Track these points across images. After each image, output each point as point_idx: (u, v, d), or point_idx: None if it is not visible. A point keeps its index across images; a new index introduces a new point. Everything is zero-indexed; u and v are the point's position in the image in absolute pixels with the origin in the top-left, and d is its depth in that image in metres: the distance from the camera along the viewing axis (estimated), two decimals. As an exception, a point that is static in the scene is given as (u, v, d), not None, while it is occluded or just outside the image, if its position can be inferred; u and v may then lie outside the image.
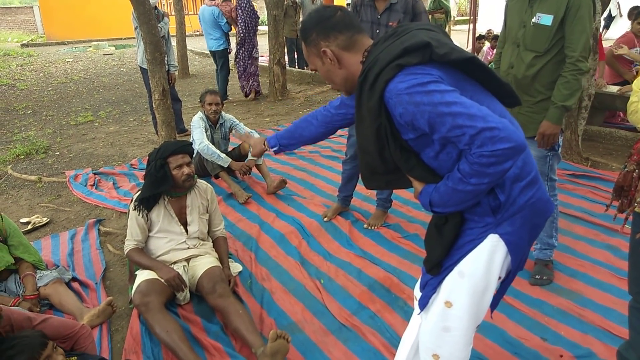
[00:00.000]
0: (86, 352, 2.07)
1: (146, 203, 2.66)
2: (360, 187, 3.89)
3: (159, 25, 5.41)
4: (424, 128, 1.23)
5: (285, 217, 3.64)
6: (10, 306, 2.49)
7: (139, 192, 2.71)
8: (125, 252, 2.70)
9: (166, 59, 5.54)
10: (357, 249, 3.17)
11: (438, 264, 1.44)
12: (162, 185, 2.62)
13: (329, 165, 4.78)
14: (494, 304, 1.51)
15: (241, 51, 7.62)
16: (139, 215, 2.66)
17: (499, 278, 1.43)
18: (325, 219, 3.56)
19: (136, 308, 2.47)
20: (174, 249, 2.72)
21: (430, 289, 1.49)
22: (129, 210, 2.73)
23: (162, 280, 2.53)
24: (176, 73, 6.00)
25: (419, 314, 1.57)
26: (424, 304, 1.51)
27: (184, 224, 2.77)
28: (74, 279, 2.92)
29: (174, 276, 2.55)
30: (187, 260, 2.75)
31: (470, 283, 1.39)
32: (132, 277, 2.75)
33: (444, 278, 1.44)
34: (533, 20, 2.36)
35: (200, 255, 2.77)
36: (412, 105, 1.21)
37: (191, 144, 2.80)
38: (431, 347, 1.51)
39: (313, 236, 3.37)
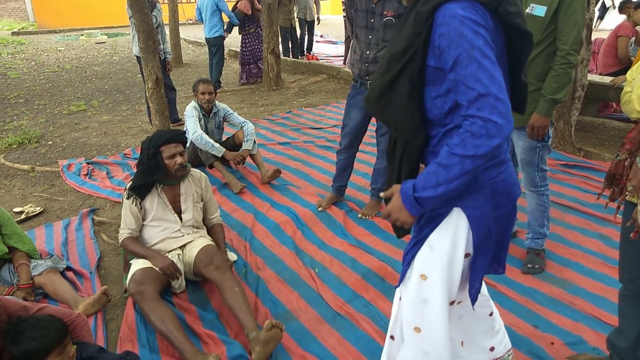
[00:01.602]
0: (83, 341, 2.08)
1: (139, 191, 2.66)
2: (354, 177, 3.91)
3: (152, 14, 5.38)
4: (447, 61, 1.27)
5: (279, 207, 3.65)
6: (5, 295, 2.49)
7: (132, 180, 2.70)
8: (120, 241, 2.69)
9: (161, 47, 5.52)
10: (351, 238, 3.19)
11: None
12: (154, 174, 2.62)
13: (323, 155, 4.78)
14: (473, 295, 1.54)
15: (252, 40, 7.79)
16: (132, 204, 2.65)
17: (467, 255, 1.47)
18: (320, 209, 3.57)
19: (131, 297, 2.48)
20: (168, 237, 2.72)
21: (406, 263, 1.55)
22: (122, 199, 2.72)
23: (157, 269, 2.54)
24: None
25: (397, 287, 1.63)
26: (401, 279, 1.57)
27: (178, 212, 2.77)
28: (69, 268, 2.92)
29: (168, 264, 2.55)
30: (182, 247, 2.75)
31: (439, 255, 1.45)
32: (127, 266, 2.76)
33: (416, 252, 1.50)
34: (526, 10, 2.36)
35: (195, 240, 2.77)
36: (456, 32, 1.24)
37: (185, 133, 2.79)
38: (412, 320, 1.54)
39: (307, 226, 3.38)
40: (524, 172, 2.66)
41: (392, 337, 1.67)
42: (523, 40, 1.36)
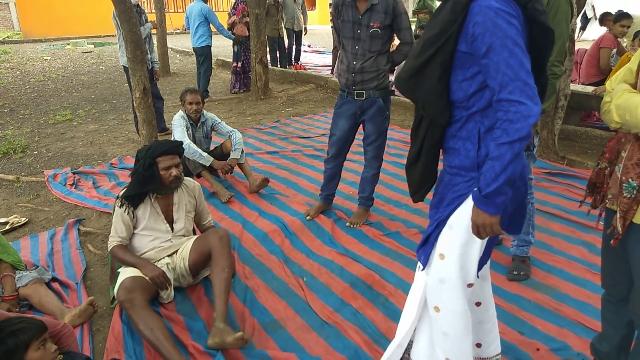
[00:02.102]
0: (70, 351, 2.06)
1: (132, 200, 2.65)
2: (342, 186, 3.93)
3: (141, 27, 5.39)
4: (480, 47, 1.40)
5: (268, 216, 3.65)
6: (-12, 307, 2.46)
7: (125, 189, 2.69)
8: (109, 249, 2.67)
9: (149, 56, 5.53)
10: (339, 247, 3.20)
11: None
12: (148, 185, 2.62)
13: (311, 164, 4.80)
14: (479, 265, 1.62)
15: (248, 51, 7.97)
16: (124, 212, 2.64)
17: None
18: (308, 218, 3.58)
19: (120, 304, 2.46)
20: (157, 247, 2.71)
21: (429, 245, 1.62)
22: (114, 207, 2.71)
23: (147, 278, 2.52)
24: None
25: (421, 269, 1.68)
26: (424, 261, 1.65)
27: (170, 222, 2.77)
28: (54, 279, 2.89)
29: (159, 274, 2.54)
30: (171, 255, 2.75)
31: (458, 234, 1.54)
32: (114, 275, 2.74)
33: (439, 233, 1.59)
34: None
35: (185, 243, 2.79)
36: (491, 22, 1.37)
37: (182, 144, 2.79)
38: (432, 299, 1.63)
39: (296, 235, 3.39)
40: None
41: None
42: (545, 36, 1.48)
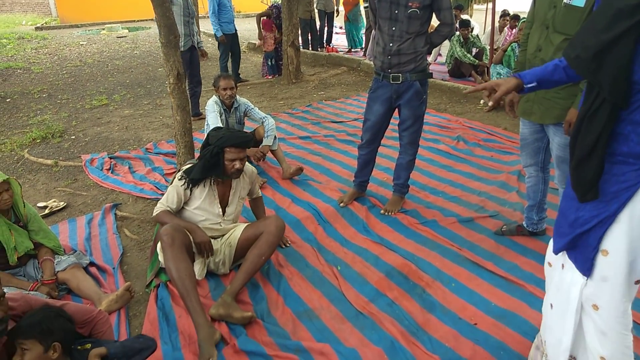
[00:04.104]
0: (104, 337, 2.07)
1: (193, 180, 2.68)
2: (376, 172, 3.85)
3: (188, 4, 5.49)
4: None
5: (301, 203, 3.61)
6: (29, 290, 2.52)
7: (190, 167, 2.71)
8: (155, 214, 2.69)
9: (196, 37, 5.63)
10: (374, 235, 3.14)
11: (593, 186, 1.42)
12: (211, 171, 2.65)
13: (344, 149, 4.72)
14: None
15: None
16: (182, 186, 2.67)
17: None
18: (342, 205, 3.52)
19: (160, 238, 2.46)
20: (207, 227, 2.74)
21: (589, 248, 1.47)
22: (173, 178, 2.75)
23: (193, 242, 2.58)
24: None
25: (585, 277, 1.52)
26: (588, 267, 1.48)
27: (224, 206, 2.79)
28: (92, 263, 2.93)
29: (207, 240, 2.58)
30: (217, 239, 2.78)
31: (628, 228, 1.38)
32: (152, 254, 2.78)
33: (603, 233, 1.42)
34: (564, 0, 2.24)
35: (234, 228, 2.83)
36: None
37: (252, 139, 2.77)
38: (591, 297, 1.50)
39: (329, 222, 3.34)
40: (558, 169, 2.56)
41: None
42: None
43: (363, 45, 9.87)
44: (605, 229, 1.42)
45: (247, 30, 12.73)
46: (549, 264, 1.73)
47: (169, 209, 2.69)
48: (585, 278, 1.50)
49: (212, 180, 2.71)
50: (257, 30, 8.30)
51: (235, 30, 7.41)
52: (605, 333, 1.49)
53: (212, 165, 2.62)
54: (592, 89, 1.39)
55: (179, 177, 2.70)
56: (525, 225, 3.00)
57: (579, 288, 1.52)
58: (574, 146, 1.47)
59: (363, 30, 9.98)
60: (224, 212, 2.79)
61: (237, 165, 2.63)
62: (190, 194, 2.71)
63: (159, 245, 2.63)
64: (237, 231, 2.78)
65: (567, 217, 1.55)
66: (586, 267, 1.49)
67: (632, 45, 1.26)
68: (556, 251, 1.62)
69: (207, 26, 15.07)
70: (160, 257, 2.63)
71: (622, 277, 1.41)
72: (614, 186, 1.39)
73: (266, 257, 2.60)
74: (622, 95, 1.31)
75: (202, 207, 2.72)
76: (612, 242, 1.41)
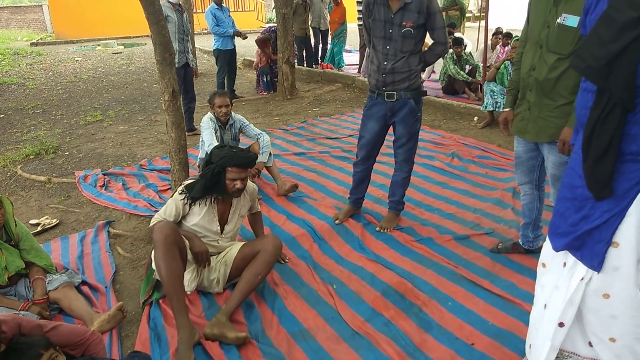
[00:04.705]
0: (96, 358, 2.04)
1: (194, 198, 2.66)
2: (371, 189, 3.84)
3: (183, 22, 5.58)
4: None
5: (296, 220, 3.60)
6: (20, 310, 2.48)
7: (192, 182, 2.69)
8: (151, 224, 2.64)
9: (189, 54, 5.74)
10: (369, 252, 3.12)
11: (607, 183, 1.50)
12: (212, 190, 2.63)
13: (339, 165, 4.73)
14: None
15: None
16: (181, 200, 2.64)
17: None
18: (337, 222, 3.51)
19: (154, 233, 2.43)
20: (205, 243, 2.72)
21: (602, 242, 1.55)
22: (174, 192, 2.74)
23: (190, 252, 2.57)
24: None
25: (596, 272, 1.60)
26: (598, 261, 1.57)
27: (222, 224, 2.77)
28: (84, 282, 2.90)
29: (205, 250, 2.58)
30: (214, 255, 2.77)
31: (636, 220, 1.49)
32: (148, 270, 2.76)
33: (616, 228, 1.52)
34: (558, 20, 2.25)
35: (230, 247, 2.82)
36: None
37: (255, 160, 2.75)
38: (601, 289, 1.59)
39: (325, 239, 3.32)
40: (553, 187, 2.56)
41: (560, 324, 1.71)
42: None
43: (344, 65, 10.03)
44: (618, 223, 1.52)
45: (243, 46, 12.79)
46: (543, 265, 1.82)
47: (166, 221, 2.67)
48: (593, 272, 1.59)
49: (213, 198, 2.69)
50: (256, 50, 8.39)
51: (234, 46, 7.45)
52: (616, 317, 1.60)
53: (213, 184, 2.60)
54: (603, 95, 1.48)
55: (180, 192, 2.68)
56: (521, 242, 2.99)
57: (584, 283, 1.61)
58: (587, 149, 1.54)
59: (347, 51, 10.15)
60: (222, 229, 2.77)
61: (238, 185, 2.61)
62: (189, 210, 2.69)
63: (153, 254, 2.59)
64: (234, 250, 2.76)
65: (567, 218, 1.65)
66: (596, 262, 1.57)
67: (638, 52, 1.37)
68: (557, 248, 1.70)
69: (202, 43, 15.19)
70: (154, 266, 2.57)
71: (632, 266, 1.53)
72: (624, 183, 1.49)
73: (262, 276, 2.59)
74: (631, 98, 1.42)
75: (201, 224, 2.69)
76: (623, 234, 1.51)
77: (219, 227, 2.75)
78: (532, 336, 1.89)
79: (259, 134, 4.19)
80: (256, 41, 8.19)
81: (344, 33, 9.95)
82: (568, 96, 2.30)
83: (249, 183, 2.87)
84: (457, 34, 8.25)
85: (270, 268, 2.66)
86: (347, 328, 2.45)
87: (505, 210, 3.59)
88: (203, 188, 2.61)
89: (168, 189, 4.18)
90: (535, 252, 2.97)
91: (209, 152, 3.92)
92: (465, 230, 3.34)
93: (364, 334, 2.40)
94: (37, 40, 18.09)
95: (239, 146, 4.43)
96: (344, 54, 10.51)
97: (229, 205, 2.77)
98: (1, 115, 7.29)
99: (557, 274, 1.74)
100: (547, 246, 1.80)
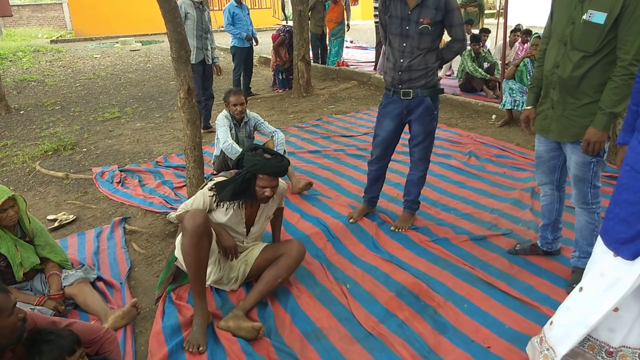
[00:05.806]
0: (111, 356, 2.05)
1: (221, 200, 2.61)
2: (386, 188, 3.81)
3: (203, 19, 5.61)
4: None
5: (309, 218, 3.58)
6: (35, 305, 2.50)
7: (223, 182, 2.61)
8: (178, 213, 2.63)
9: (209, 52, 5.77)
10: (384, 252, 3.09)
11: None
12: (241, 196, 2.58)
13: (354, 164, 4.69)
14: None
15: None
16: (210, 196, 2.60)
17: None
18: (351, 221, 3.48)
19: (187, 219, 2.39)
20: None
21: None
22: (204, 185, 2.73)
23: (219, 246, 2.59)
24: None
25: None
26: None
27: (249, 226, 2.75)
28: (99, 278, 2.92)
29: (234, 245, 2.59)
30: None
31: None
32: (170, 255, 2.78)
33: None
34: (583, 17, 2.18)
35: (253, 247, 2.82)
36: None
37: (287, 168, 2.68)
38: None
39: (338, 238, 3.29)
40: (575, 188, 2.50)
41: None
42: None
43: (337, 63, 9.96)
44: None
45: (260, 44, 12.82)
46: (602, 274, 1.78)
47: None
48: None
49: (241, 203, 2.65)
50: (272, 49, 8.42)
51: (251, 44, 7.46)
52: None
53: (243, 190, 2.55)
54: None
55: (209, 188, 2.63)
56: (539, 244, 2.93)
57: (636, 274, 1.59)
58: None
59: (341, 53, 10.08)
60: (248, 231, 2.75)
61: (268, 192, 2.56)
62: (216, 207, 2.65)
63: (177, 240, 2.59)
64: (256, 250, 2.76)
65: (632, 223, 1.59)
66: (633, 251, 1.58)
67: None
68: (628, 257, 1.62)
69: (220, 40, 15.22)
70: (177, 253, 2.57)
71: None
72: None
73: (282, 280, 2.61)
74: None
75: (227, 225, 2.66)
76: None
77: (245, 229, 2.73)
78: (561, 315, 1.89)
79: (273, 132, 4.18)
80: (273, 47, 8.22)
81: (341, 33, 9.86)
82: (593, 95, 2.23)
83: (280, 181, 2.83)
84: (474, 31, 8.15)
85: (291, 273, 2.68)
86: (361, 329, 2.43)
87: (523, 211, 3.52)
88: (232, 192, 2.56)
89: (183, 186, 4.19)
90: (554, 254, 2.91)
91: (239, 152, 3.92)
92: (482, 230, 3.28)
93: (377, 335, 2.37)
94: (57, 38, 18.37)
95: (254, 143, 4.43)
96: (360, 52, 10.44)
97: (257, 208, 2.74)
98: (21, 112, 7.40)
99: (607, 262, 1.71)
100: (602, 254, 1.74)
